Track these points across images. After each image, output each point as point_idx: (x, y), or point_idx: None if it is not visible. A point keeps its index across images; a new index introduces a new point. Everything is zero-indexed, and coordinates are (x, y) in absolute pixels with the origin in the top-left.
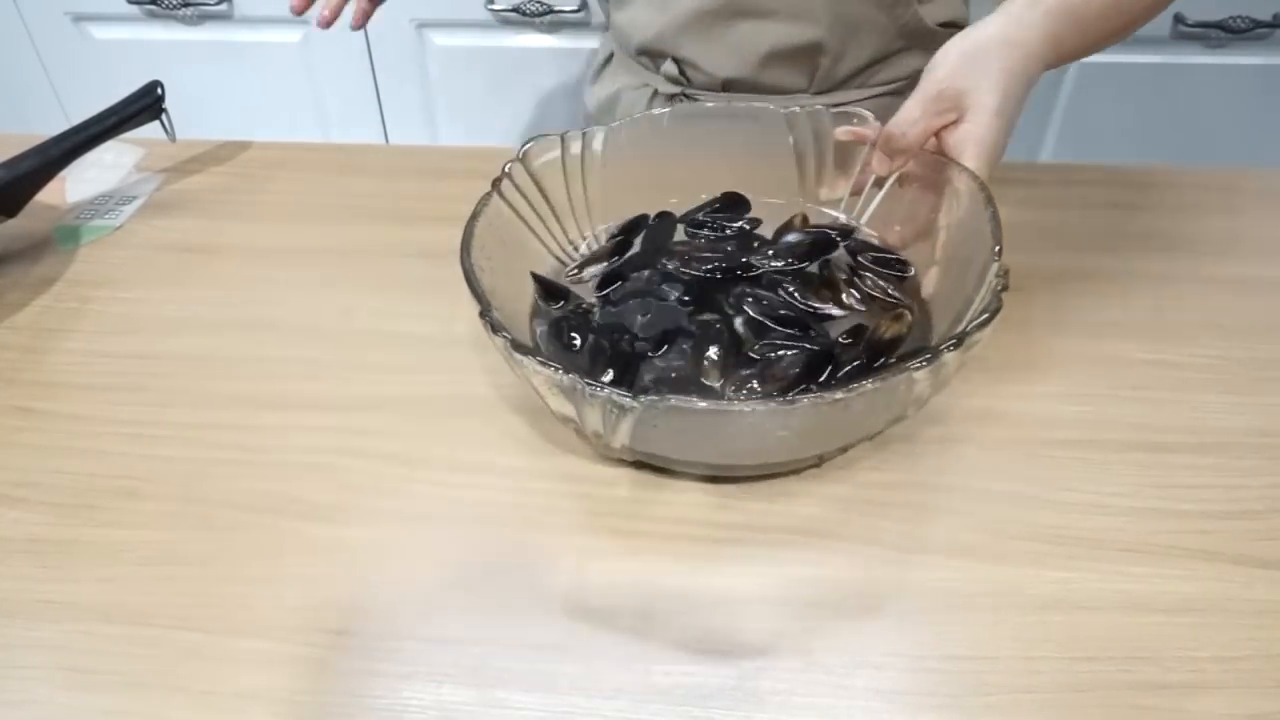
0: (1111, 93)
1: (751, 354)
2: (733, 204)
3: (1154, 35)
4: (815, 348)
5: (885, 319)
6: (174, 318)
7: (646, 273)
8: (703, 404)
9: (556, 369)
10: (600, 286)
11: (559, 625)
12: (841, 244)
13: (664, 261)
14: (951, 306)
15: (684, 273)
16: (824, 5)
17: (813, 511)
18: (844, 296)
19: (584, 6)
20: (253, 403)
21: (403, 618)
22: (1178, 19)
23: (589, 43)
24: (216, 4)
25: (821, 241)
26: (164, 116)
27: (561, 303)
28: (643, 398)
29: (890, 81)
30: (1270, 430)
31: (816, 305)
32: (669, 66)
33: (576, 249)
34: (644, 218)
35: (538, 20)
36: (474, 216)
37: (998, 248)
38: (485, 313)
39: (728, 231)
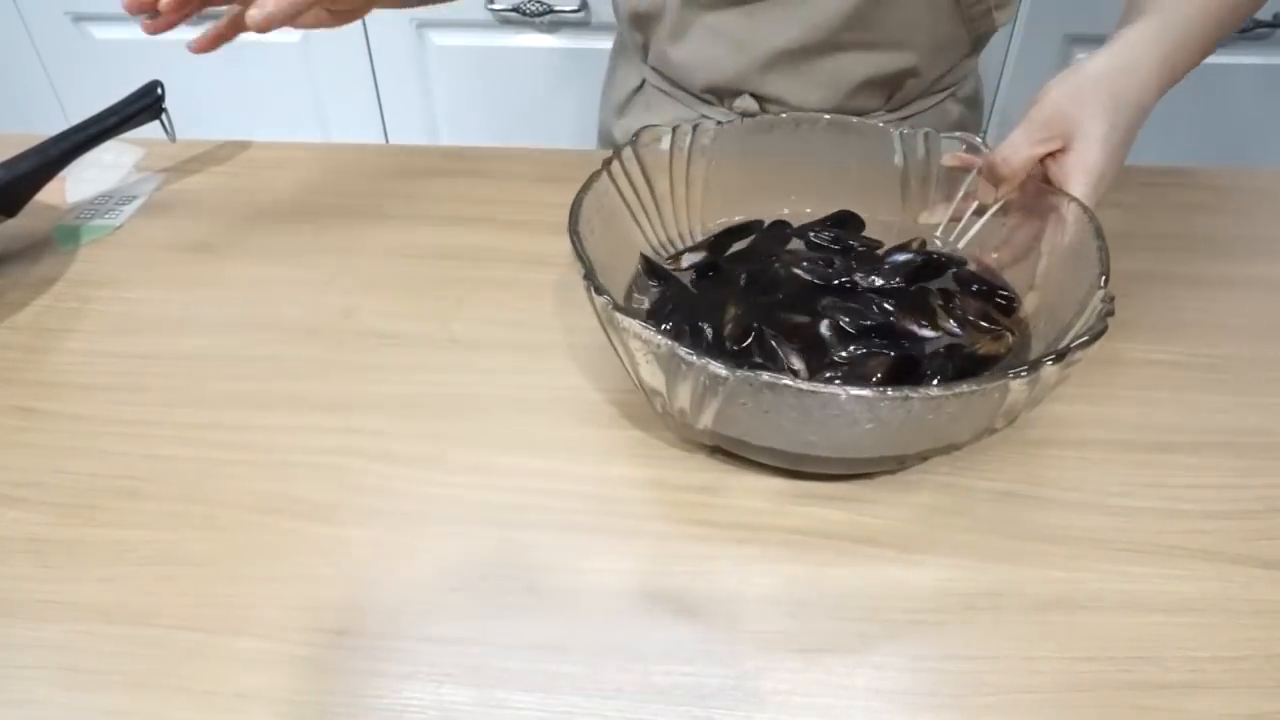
0: None
1: (836, 358)
2: (846, 222)
3: None
4: (903, 354)
5: (984, 338)
6: (174, 318)
7: (744, 268)
8: (796, 383)
9: (656, 332)
10: (697, 274)
11: (559, 625)
12: (950, 271)
13: (771, 259)
14: (1049, 333)
15: (783, 274)
16: (922, 31)
17: (810, 511)
18: (940, 321)
19: (584, 6)
20: (253, 403)
21: (403, 618)
22: None
23: (589, 43)
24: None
25: (930, 266)
26: (164, 116)
27: (660, 284)
28: (738, 371)
29: (948, 86)
30: (1271, 430)
31: (908, 323)
32: (745, 102)
33: (673, 244)
34: (758, 223)
35: (538, 20)
36: (583, 190)
37: (1104, 277)
38: (589, 275)
39: (848, 246)
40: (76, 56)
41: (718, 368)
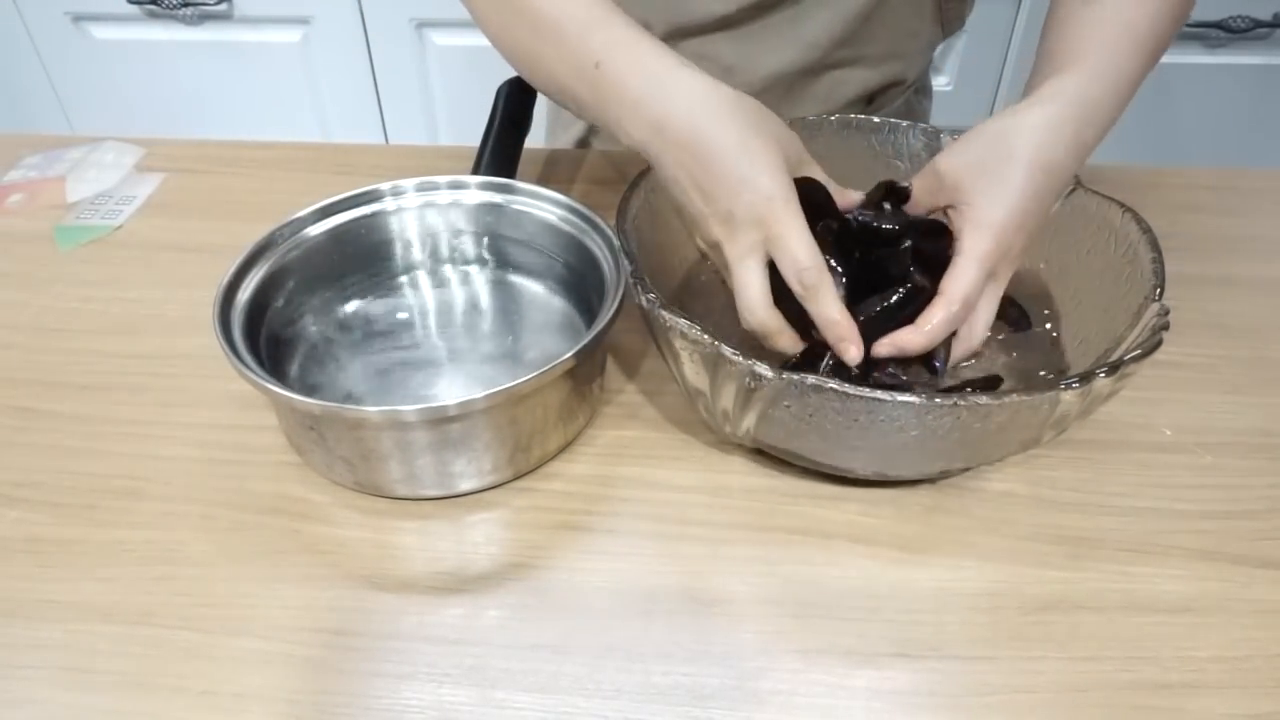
0: None
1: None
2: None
3: None
4: (909, 286)
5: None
6: (174, 318)
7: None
8: (841, 386)
9: (702, 331)
10: None
11: (559, 625)
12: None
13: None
14: (1095, 344)
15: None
16: (910, 40)
17: (810, 511)
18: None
19: None
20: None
21: (403, 618)
22: None
23: None
24: (216, 4)
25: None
26: None
27: None
28: (785, 373)
29: (915, 81)
30: (1271, 430)
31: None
32: None
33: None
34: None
35: None
36: (632, 186)
37: (1159, 289)
38: (635, 273)
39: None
40: (76, 56)
41: (762, 369)
